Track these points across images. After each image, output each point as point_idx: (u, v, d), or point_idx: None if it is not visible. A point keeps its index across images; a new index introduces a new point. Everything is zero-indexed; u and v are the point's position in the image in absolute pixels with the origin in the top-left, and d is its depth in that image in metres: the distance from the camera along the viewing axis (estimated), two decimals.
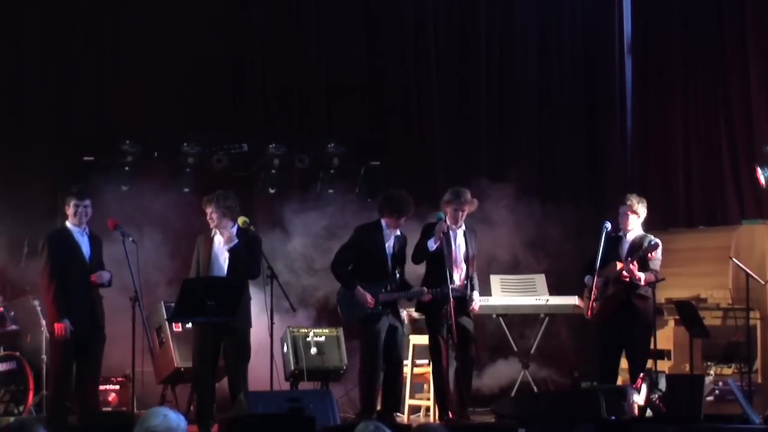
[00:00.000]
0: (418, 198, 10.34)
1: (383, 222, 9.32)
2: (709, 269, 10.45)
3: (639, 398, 8.17)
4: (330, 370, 10.31)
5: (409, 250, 9.44)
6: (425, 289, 9.20)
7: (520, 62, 12.50)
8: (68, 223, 8.76)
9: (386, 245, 9.29)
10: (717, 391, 9.55)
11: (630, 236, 9.36)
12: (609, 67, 12.59)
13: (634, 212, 9.34)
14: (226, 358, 8.89)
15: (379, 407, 9.26)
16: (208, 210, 8.96)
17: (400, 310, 9.85)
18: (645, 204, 9.42)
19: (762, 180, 10.15)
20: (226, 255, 8.92)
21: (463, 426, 8.94)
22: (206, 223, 9.07)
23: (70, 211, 8.73)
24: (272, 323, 8.76)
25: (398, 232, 9.36)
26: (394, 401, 9.49)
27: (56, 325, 8.50)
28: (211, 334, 8.62)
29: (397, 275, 9.32)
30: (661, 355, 10.06)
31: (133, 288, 8.48)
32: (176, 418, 4.96)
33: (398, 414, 10.07)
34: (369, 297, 9.13)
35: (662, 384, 8.22)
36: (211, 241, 8.97)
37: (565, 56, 12.59)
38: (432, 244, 9.18)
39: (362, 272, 9.26)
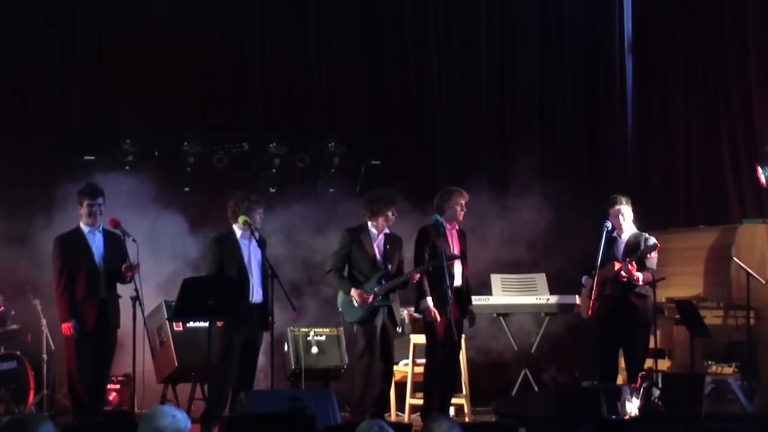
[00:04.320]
0: (418, 197, 10.34)
1: (369, 223, 9.33)
2: (710, 268, 10.43)
3: (639, 397, 8.16)
4: (330, 369, 10.33)
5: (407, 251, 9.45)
6: (413, 270, 9.20)
7: (520, 63, 12.49)
8: (81, 224, 8.80)
9: (374, 244, 9.29)
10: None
11: (624, 236, 9.37)
12: (610, 67, 12.59)
13: (623, 213, 9.36)
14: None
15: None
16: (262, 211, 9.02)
17: (402, 309, 9.83)
18: (630, 202, 9.45)
19: (763, 179, 10.13)
20: (259, 256, 8.94)
21: (464, 425, 8.91)
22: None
23: (83, 211, 8.76)
24: (272, 322, 8.77)
25: (387, 230, 9.35)
26: (386, 400, 9.52)
27: (63, 326, 8.68)
28: (244, 333, 8.73)
29: (389, 267, 9.29)
30: (662, 354, 10.07)
31: (134, 287, 8.47)
32: (184, 419, 4.95)
33: (399, 413, 10.09)
34: (366, 294, 9.13)
35: (662, 383, 8.20)
36: (238, 241, 8.95)
37: (566, 56, 12.58)
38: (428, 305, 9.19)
39: (356, 273, 9.28)
